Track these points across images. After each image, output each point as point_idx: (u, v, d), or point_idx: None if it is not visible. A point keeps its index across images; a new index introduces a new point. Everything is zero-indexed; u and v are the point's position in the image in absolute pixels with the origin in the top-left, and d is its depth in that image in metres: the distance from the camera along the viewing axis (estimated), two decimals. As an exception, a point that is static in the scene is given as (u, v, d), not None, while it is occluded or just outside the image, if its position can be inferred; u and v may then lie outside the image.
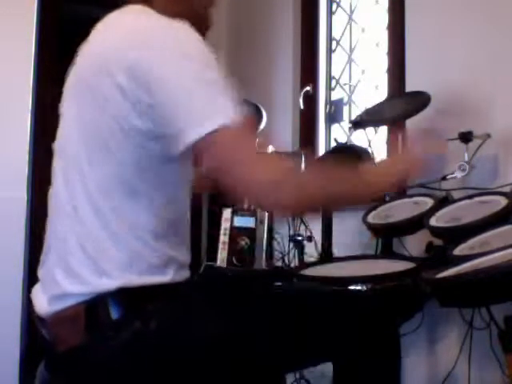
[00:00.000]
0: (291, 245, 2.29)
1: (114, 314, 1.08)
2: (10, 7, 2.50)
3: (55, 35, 3.15)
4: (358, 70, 2.97)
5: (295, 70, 3.14)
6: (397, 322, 1.39)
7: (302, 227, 2.31)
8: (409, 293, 1.63)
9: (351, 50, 3.02)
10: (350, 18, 3.03)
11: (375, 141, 2.65)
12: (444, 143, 1.43)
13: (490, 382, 1.96)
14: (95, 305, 1.09)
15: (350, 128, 2.42)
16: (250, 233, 2.10)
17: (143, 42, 1.07)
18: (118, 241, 1.09)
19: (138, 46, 1.06)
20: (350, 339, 1.22)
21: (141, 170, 1.09)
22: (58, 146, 1.21)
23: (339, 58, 3.08)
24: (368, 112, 2.33)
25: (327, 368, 1.28)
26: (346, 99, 3.02)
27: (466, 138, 1.95)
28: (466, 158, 1.94)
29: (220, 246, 2.17)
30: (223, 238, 2.15)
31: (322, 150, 3.07)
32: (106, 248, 1.09)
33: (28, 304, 1.22)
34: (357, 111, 2.84)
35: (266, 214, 2.14)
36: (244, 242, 2.09)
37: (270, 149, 2.60)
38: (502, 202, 1.67)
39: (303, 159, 2.43)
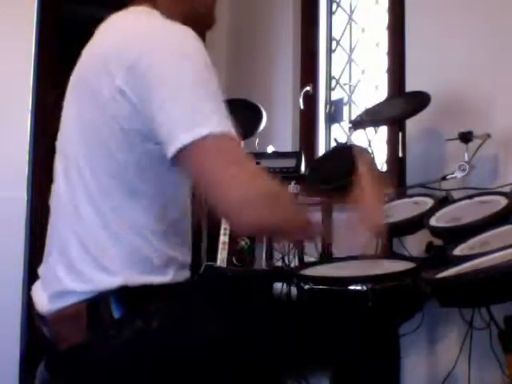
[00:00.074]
0: (291, 245, 2.29)
1: (116, 312, 1.08)
2: (9, 7, 2.50)
3: (55, 35, 3.15)
4: (358, 70, 2.97)
5: (295, 70, 3.14)
6: (396, 322, 1.39)
7: (302, 227, 2.30)
8: (409, 293, 1.63)
9: (351, 50, 3.02)
10: (350, 18, 3.03)
11: (375, 141, 2.65)
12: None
13: (490, 381, 1.96)
14: (97, 303, 1.09)
15: (350, 128, 2.42)
16: (250, 233, 2.10)
17: (143, 43, 1.07)
18: (118, 240, 1.10)
19: (137, 46, 1.06)
20: (350, 339, 1.23)
21: (141, 170, 1.09)
22: (58, 145, 1.21)
23: (339, 58, 3.08)
24: (368, 112, 2.33)
25: (327, 368, 1.28)
26: (346, 99, 3.02)
27: (466, 137, 1.95)
28: (466, 158, 1.94)
29: (220, 246, 2.17)
30: (223, 238, 2.15)
31: (322, 150, 3.07)
32: (106, 247, 1.10)
33: (28, 304, 1.22)
34: (357, 111, 2.84)
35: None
36: (244, 241, 2.09)
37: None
38: (502, 201, 1.67)
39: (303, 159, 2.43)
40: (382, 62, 2.76)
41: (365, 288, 1.54)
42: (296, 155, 2.48)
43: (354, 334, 1.23)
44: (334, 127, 3.08)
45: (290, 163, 2.43)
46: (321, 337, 1.21)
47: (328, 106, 3.08)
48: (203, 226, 3.14)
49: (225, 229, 2.15)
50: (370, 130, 2.51)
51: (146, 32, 1.09)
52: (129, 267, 1.09)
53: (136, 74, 1.04)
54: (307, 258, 2.22)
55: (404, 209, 1.93)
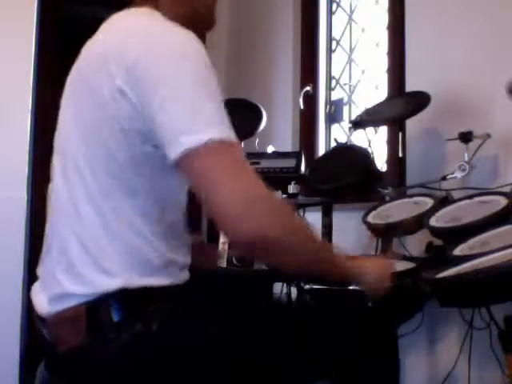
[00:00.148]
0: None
1: (116, 315, 1.08)
2: (9, 7, 2.50)
3: (55, 35, 3.15)
4: (358, 70, 2.97)
5: (295, 70, 3.14)
6: (396, 322, 1.39)
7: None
8: (409, 293, 1.63)
9: (351, 49, 3.02)
10: (350, 18, 3.03)
11: (375, 141, 2.65)
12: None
13: (490, 381, 1.96)
14: (97, 306, 1.08)
15: (350, 128, 2.42)
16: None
17: (143, 43, 1.06)
18: (117, 240, 1.09)
19: (137, 46, 1.06)
20: (350, 339, 1.23)
21: (141, 170, 1.09)
22: (56, 144, 1.21)
23: (339, 58, 3.09)
24: (368, 112, 2.33)
25: (327, 368, 1.28)
26: (346, 99, 3.02)
27: (466, 137, 1.95)
28: (466, 158, 1.94)
29: (220, 245, 2.17)
30: (223, 238, 2.15)
31: (322, 150, 3.07)
32: (106, 247, 1.09)
33: (28, 304, 1.21)
34: (357, 111, 2.84)
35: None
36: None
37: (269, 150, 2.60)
38: (502, 201, 1.67)
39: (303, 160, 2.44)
40: (382, 61, 2.76)
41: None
42: (296, 155, 2.48)
43: (354, 334, 1.23)
44: (334, 127, 3.08)
45: (290, 163, 2.43)
46: (321, 337, 1.21)
47: (328, 106, 3.08)
48: (203, 227, 3.14)
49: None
50: (370, 129, 2.51)
51: (146, 33, 1.09)
52: (129, 269, 1.09)
53: (136, 74, 1.04)
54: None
55: (404, 209, 1.93)
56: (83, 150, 1.11)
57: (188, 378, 1.10)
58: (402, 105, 2.21)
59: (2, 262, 2.40)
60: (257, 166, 2.43)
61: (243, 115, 2.65)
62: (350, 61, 3.02)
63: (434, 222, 1.75)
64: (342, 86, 3.06)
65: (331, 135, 3.07)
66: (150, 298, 1.10)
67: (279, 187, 2.40)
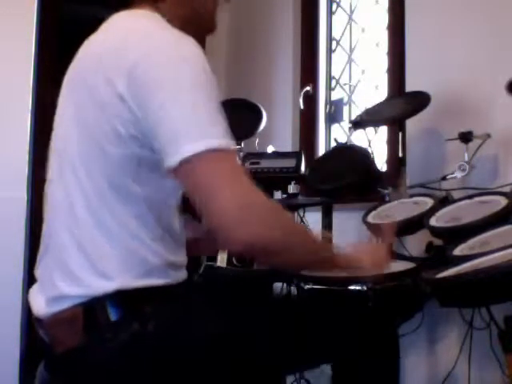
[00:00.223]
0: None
1: (113, 315, 1.08)
2: (9, 7, 2.50)
3: (55, 35, 3.15)
4: (358, 70, 2.97)
5: (295, 70, 3.14)
6: (396, 322, 1.39)
7: (302, 227, 2.30)
8: (409, 293, 1.63)
9: (351, 50, 3.02)
10: (350, 18, 3.03)
11: (375, 141, 2.65)
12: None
13: (490, 381, 1.96)
14: (93, 307, 1.08)
15: (350, 128, 2.42)
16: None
17: (142, 46, 1.06)
18: (114, 242, 1.09)
19: (137, 48, 1.06)
20: (350, 339, 1.23)
21: (137, 174, 1.09)
22: (54, 143, 1.20)
23: (339, 58, 3.09)
24: (368, 112, 2.33)
25: (327, 367, 1.28)
26: (346, 99, 3.02)
27: (466, 137, 1.95)
28: (466, 158, 1.94)
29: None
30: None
31: (322, 150, 3.07)
32: (102, 248, 1.09)
33: (28, 304, 1.22)
34: (357, 111, 2.84)
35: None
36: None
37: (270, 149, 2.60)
38: (502, 201, 1.67)
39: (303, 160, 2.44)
40: (382, 61, 2.76)
41: (365, 288, 1.54)
42: (296, 155, 2.48)
43: (354, 333, 1.23)
44: (334, 127, 3.08)
45: (290, 163, 2.43)
46: (321, 337, 1.21)
47: (328, 106, 3.08)
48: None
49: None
50: (370, 129, 2.51)
51: (145, 36, 1.09)
52: (125, 270, 1.09)
53: (135, 77, 1.04)
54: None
55: (404, 209, 1.93)
56: (80, 151, 1.11)
57: (187, 378, 1.10)
58: (402, 105, 2.21)
59: (2, 262, 2.40)
60: (257, 166, 2.43)
61: (243, 115, 2.65)
62: (349, 61, 3.02)
63: (434, 221, 1.75)
64: (342, 86, 3.06)
65: (331, 135, 3.07)
66: (147, 298, 1.10)
67: (279, 187, 2.40)
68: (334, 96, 3.09)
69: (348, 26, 3.04)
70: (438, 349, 2.20)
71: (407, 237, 2.12)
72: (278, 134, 3.10)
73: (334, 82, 3.10)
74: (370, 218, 1.96)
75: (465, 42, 2.19)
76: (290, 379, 2.22)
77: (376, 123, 2.43)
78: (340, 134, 3.00)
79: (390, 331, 1.29)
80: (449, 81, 2.22)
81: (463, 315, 1.93)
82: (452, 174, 1.97)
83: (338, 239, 2.22)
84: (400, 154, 2.30)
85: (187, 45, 1.08)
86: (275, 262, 1.16)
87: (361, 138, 2.53)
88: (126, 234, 1.09)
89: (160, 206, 1.13)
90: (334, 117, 3.07)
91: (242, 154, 2.56)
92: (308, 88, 2.75)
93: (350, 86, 2.99)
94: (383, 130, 2.64)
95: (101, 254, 1.09)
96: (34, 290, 1.19)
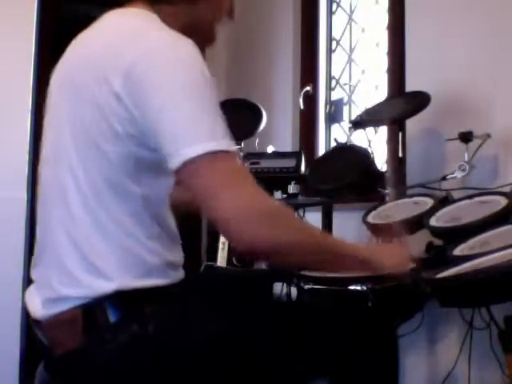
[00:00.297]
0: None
1: (112, 317, 1.08)
2: (9, 7, 2.50)
3: (55, 35, 3.15)
4: (358, 70, 2.97)
5: (295, 70, 3.14)
6: (396, 322, 1.39)
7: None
8: (409, 293, 1.63)
9: (351, 50, 3.02)
10: (350, 18, 3.03)
11: (375, 141, 2.65)
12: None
13: (489, 381, 1.96)
14: (93, 308, 1.08)
15: (350, 128, 2.42)
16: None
17: (140, 46, 1.06)
18: (111, 241, 1.09)
19: (134, 49, 1.06)
20: (350, 339, 1.22)
21: (134, 173, 1.09)
22: (48, 144, 1.19)
23: (339, 58, 3.08)
24: (368, 112, 2.33)
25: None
26: (346, 99, 3.02)
27: (466, 137, 1.95)
28: (466, 158, 1.94)
29: (220, 246, 2.17)
30: (223, 238, 2.15)
31: (322, 150, 3.07)
32: (100, 249, 1.09)
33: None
34: (357, 111, 2.84)
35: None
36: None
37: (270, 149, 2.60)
38: (502, 201, 1.67)
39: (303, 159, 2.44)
40: (382, 61, 2.76)
41: (365, 288, 1.54)
42: (296, 155, 2.48)
43: (354, 333, 1.23)
44: (334, 127, 3.08)
45: (290, 163, 2.43)
46: (321, 337, 1.21)
47: (328, 106, 3.08)
48: (203, 226, 3.14)
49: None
50: (370, 130, 2.51)
51: (141, 35, 1.08)
52: (123, 270, 1.09)
53: (132, 78, 1.04)
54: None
55: (404, 209, 1.93)
56: (77, 150, 1.10)
57: (187, 379, 1.10)
58: (402, 105, 2.21)
59: (2, 262, 2.40)
60: (257, 166, 2.43)
61: (243, 115, 2.66)
62: (349, 61, 3.02)
63: (434, 221, 1.75)
64: (342, 86, 3.06)
65: (331, 135, 3.07)
66: (146, 299, 1.10)
67: (279, 187, 2.40)
68: (334, 96, 3.09)
69: (348, 26, 3.04)
70: (437, 349, 2.20)
71: (407, 237, 2.12)
72: (277, 134, 3.10)
73: (334, 82, 3.10)
74: (370, 218, 1.96)
75: (465, 42, 2.19)
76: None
77: (376, 123, 2.43)
78: (340, 134, 3.00)
79: (389, 331, 1.29)
80: (449, 81, 2.22)
81: (463, 315, 1.92)
82: (452, 173, 1.97)
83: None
84: (400, 154, 2.30)
85: (185, 46, 1.07)
86: (280, 261, 1.16)
87: (361, 138, 2.53)
88: (121, 233, 1.09)
89: (156, 204, 1.13)
90: (334, 117, 3.07)
91: (242, 153, 2.56)
92: (308, 88, 2.75)
93: (350, 85, 2.99)
94: (383, 130, 2.64)
95: (97, 253, 1.09)
96: (31, 292, 1.19)
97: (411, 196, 2.04)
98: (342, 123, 3.03)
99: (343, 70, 3.05)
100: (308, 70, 3.12)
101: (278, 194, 2.41)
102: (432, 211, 1.80)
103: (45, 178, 1.18)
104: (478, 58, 2.13)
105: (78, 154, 1.10)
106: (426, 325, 2.09)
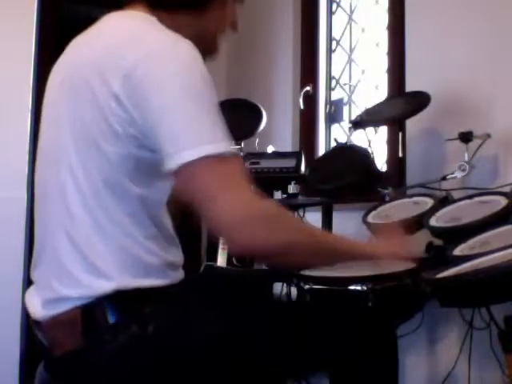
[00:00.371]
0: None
1: (111, 317, 1.08)
2: (9, 7, 2.50)
3: (55, 35, 3.15)
4: (358, 70, 2.97)
5: (295, 70, 3.14)
6: (394, 322, 1.39)
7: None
8: (409, 293, 1.63)
9: (351, 50, 3.02)
10: (350, 18, 3.03)
11: (375, 141, 2.65)
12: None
13: (490, 381, 1.96)
14: (92, 308, 1.08)
15: (350, 128, 2.42)
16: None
17: (139, 50, 1.06)
18: (110, 241, 1.09)
19: (135, 51, 1.06)
20: (349, 339, 1.22)
21: (134, 174, 1.09)
22: (46, 144, 1.19)
23: (339, 58, 3.08)
24: (368, 112, 2.33)
25: (327, 368, 1.28)
26: (346, 99, 3.02)
27: (466, 137, 1.95)
28: (466, 158, 1.94)
29: (220, 245, 2.17)
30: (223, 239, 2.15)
31: (322, 150, 3.07)
32: (98, 249, 1.09)
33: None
34: (357, 111, 2.84)
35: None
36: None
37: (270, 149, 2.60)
38: (502, 201, 1.67)
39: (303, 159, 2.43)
40: (382, 61, 2.75)
41: (365, 288, 1.54)
42: (296, 155, 2.48)
43: (354, 333, 1.23)
44: (334, 127, 3.08)
45: (290, 163, 2.43)
46: (321, 337, 1.21)
47: (328, 106, 3.08)
48: (203, 226, 3.14)
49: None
50: (370, 129, 2.51)
51: (141, 37, 1.09)
52: (122, 270, 1.09)
53: (132, 80, 1.04)
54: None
55: (404, 209, 1.93)
56: (77, 150, 1.10)
57: (187, 380, 1.10)
58: (402, 105, 2.21)
59: (2, 262, 2.40)
60: (257, 166, 2.43)
61: (243, 115, 2.66)
62: (349, 61, 3.02)
63: (434, 221, 1.75)
64: (342, 86, 3.06)
65: (331, 135, 3.07)
66: (145, 299, 1.10)
67: (279, 187, 2.40)
68: (334, 96, 3.09)
69: (348, 26, 3.04)
70: (438, 349, 2.20)
71: (407, 237, 2.12)
72: (278, 134, 3.10)
73: (334, 82, 3.10)
74: (370, 218, 1.96)
75: (465, 42, 2.19)
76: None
77: (376, 123, 2.43)
78: (340, 134, 3.00)
79: (389, 331, 1.29)
80: (449, 81, 2.22)
81: (463, 315, 1.93)
82: (452, 173, 1.97)
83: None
84: (400, 154, 2.30)
85: (184, 48, 1.07)
86: (280, 262, 1.17)
87: (361, 138, 2.53)
88: (119, 233, 1.09)
89: (153, 204, 1.13)
90: (334, 117, 3.07)
91: (242, 153, 2.56)
92: (308, 88, 2.75)
93: (350, 85, 2.99)
94: (383, 130, 2.64)
95: (97, 252, 1.09)
96: (31, 292, 1.19)
97: (411, 196, 2.04)
98: (342, 123, 3.03)
99: (343, 70, 3.05)
100: (308, 70, 3.12)
101: (278, 194, 2.41)
102: (432, 211, 1.80)
103: (44, 177, 1.18)
104: (478, 58, 2.13)
105: (78, 153, 1.10)
106: (425, 325, 2.09)
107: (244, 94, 2.92)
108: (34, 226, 1.20)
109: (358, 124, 2.30)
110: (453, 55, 2.22)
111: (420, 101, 2.08)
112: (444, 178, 2.01)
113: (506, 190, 1.80)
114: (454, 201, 1.87)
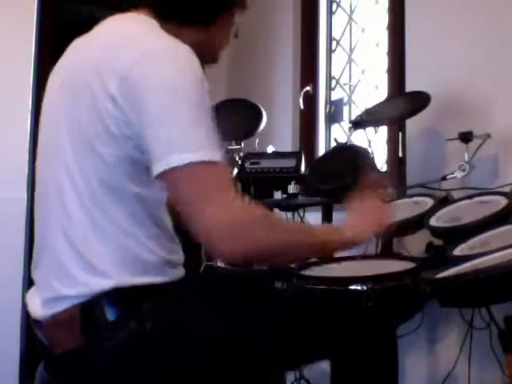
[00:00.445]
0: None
1: (110, 315, 1.08)
2: (9, 7, 2.50)
3: (55, 35, 3.15)
4: (358, 70, 2.97)
5: (295, 70, 3.14)
6: (394, 322, 1.39)
7: (302, 227, 2.30)
8: (409, 293, 1.63)
9: (351, 50, 3.02)
10: (350, 18, 3.03)
11: (375, 141, 2.65)
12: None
13: (490, 382, 1.96)
14: (91, 306, 1.09)
15: (350, 128, 2.42)
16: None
17: (136, 53, 1.06)
18: (108, 241, 1.09)
19: (132, 53, 1.06)
20: (349, 339, 1.23)
21: (132, 174, 1.09)
22: (45, 143, 1.20)
23: (339, 58, 3.09)
24: (368, 112, 2.33)
25: (327, 367, 1.28)
26: (346, 99, 3.02)
27: (466, 137, 1.95)
28: (466, 158, 1.94)
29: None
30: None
31: (322, 150, 3.08)
32: (96, 248, 1.09)
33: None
34: (357, 111, 2.84)
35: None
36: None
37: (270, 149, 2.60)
38: (502, 201, 1.67)
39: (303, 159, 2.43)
40: (382, 61, 2.76)
41: (365, 288, 1.54)
42: (296, 155, 2.48)
43: (354, 333, 1.23)
44: (334, 127, 3.08)
45: (290, 163, 2.43)
46: (321, 337, 1.21)
47: (328, 106, 3.08)
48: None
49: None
50: (370, 129, 2.51)
51: (139, 40, 1.09)
52: (121, 268, 1.09)
53: (128, 82, 1.04)
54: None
55: (404, 209, 1.93)
56: (73, 150, 1.10)
57: (185, 377, 1.10)
58: (402, 105, 2.21)
59: (2, 262, 2.40)
60: (257, 166, 2.43)
61: (243, 115, 2.66)
62: (349, 61, 3.02)
63: (434, 221, 1.75)
64: (342, 86, 3.06)
65: (331, 135, 3.07)
66: (144, 296, 1.10)
67: (279, 187, 2.40)
68: (334, 96, 3.09)
69: (348, 26, 3.04)
70: (438, 349, 2.20)
71: (407, 237, 2.12)
72: (277, 134, 3.10)
73: (334, 82, 3.10)
74: (370, 218, 1.96)
75: (465, 42, 2.19)
76: (290, 379, 2.22)
77: (376, 123, 2.43)
78: (340, 134, 3.00)
79: (389, 331, 1.29)
80: (449, 81, 2.22)
81: (463, 315, 1.93)
82: (452, 173, 1.97)
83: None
84: (400, 154, 2.31)
85: (182, 52, 1.08)
86: (269, 263, 1.19)
87: (361, 138, 2.53)
88: (119, 233, 1.09)
89: (154, 204, 1.14)
90: (334, 117, 3.07)
91: (242, 153, 2.56)
92: (308, 88, 2.75)
93: (350, 85, 2.99)
94: (383, 130, 2.64)
95: (94, 252, 1.09)
96: (31, 293, 1.19)
97: (411, 196, 2.04)
98: (342, 123, 3.03)
99: (343, 70, 3.05)
100: (308, 70, 3.12)
101: (278, 194, 2.41)
102: (432, 211, 1.80)
103: (43, 177, 1.19)
104: (478, 58, 2.13)
105: (74, 154, 1.10)
106: (425, 325, 2.09)
107: (244, 94, 2.91)
108: (34, 226, 1.20)
109: (357, 124, 2.30)
110: (453, 55, 2.22)
111: (420, 101, 2.08)
112: (444, 178, 2.01)
113: (506, 190, 1.80)
114: (454, 201, 1.87)
